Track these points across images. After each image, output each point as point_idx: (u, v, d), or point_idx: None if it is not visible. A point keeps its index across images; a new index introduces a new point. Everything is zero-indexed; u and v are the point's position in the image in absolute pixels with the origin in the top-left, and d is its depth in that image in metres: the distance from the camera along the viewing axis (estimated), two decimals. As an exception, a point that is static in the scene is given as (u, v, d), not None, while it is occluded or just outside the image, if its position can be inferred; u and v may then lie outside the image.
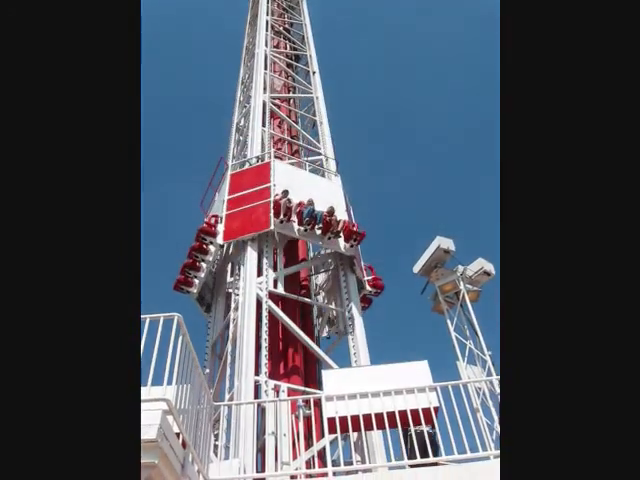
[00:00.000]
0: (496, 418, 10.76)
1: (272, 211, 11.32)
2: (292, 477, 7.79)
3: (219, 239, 11.66)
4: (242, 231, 11.45)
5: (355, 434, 7.80)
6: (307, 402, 8.65)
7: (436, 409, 6.18)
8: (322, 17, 27.11)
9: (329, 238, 11.57)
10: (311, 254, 13.92)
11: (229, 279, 12.56)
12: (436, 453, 5.85)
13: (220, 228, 11.77)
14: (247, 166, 13.51)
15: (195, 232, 11.84)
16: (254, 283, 10.45)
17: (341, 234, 11.55)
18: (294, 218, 11.49)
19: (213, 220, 12.05)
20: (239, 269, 11.38)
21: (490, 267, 14.05)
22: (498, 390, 10.29)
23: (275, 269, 11.47)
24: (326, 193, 12.64)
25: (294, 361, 10.94)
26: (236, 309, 10.74)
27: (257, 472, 7.44)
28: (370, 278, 12.51)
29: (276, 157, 13.28)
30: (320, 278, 13.57)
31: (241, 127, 16.87)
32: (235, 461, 7.06)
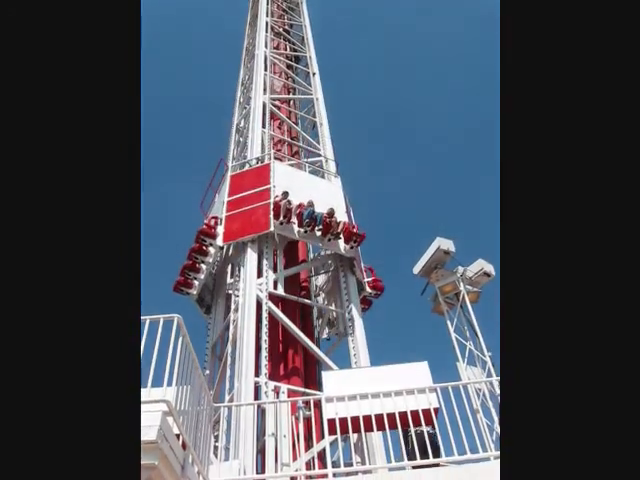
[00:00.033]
0: (496, 419, 10.73)
1: (272, 212, 11.31)
2: (292, 478, 7.80)
3: (219, 241, 11.65)
4: (242, 232, 11.44)
5: (355, 435, 7.80)
6: (307, 403, 8.63)
7: (436, 410, 6.18)
8: (322, 18, 27.14)
9: (329, 239, 11.55)
10: (311, 255, 13.91)
11: (229, 280, 12.53)
12: (436, 454, 5.84)
13: (220, 230, 11.76)
14: (247, 167, 13.50)
15: (195, 233, 11.84)
16: (254, 284, 10.44)
17: (341, 235, 11.54)
18: (294, 219, 11.47)
19: (213, 222, 12.02)
20: (239, 270, 11.37)
21: (490, 268, 14.04)
22: (498, 391, 10.29)
23: (275, 270, 11.46)
24: (326, 194, 12.64)
25: (294, 362, 10.93)
26: (236, 310, 10.73)
27: (257, 473, 7.43)
28: (370, 280, 12.51)
29: (276, 158, 13.26)
30: (320, 279, 13.55)
31: (241, 128, 16.86)
32: (235, 462, 7.06)
